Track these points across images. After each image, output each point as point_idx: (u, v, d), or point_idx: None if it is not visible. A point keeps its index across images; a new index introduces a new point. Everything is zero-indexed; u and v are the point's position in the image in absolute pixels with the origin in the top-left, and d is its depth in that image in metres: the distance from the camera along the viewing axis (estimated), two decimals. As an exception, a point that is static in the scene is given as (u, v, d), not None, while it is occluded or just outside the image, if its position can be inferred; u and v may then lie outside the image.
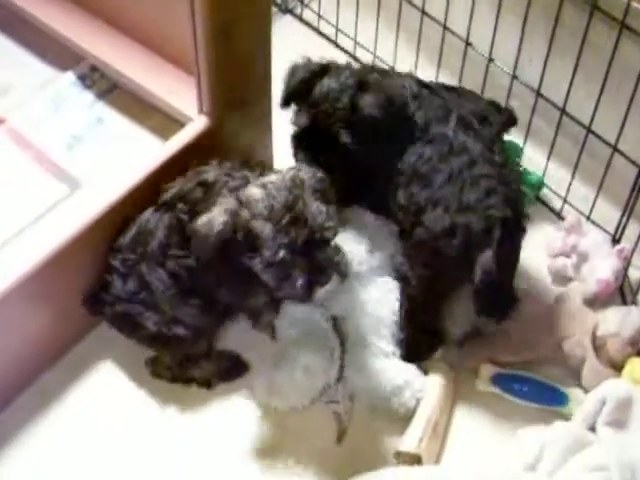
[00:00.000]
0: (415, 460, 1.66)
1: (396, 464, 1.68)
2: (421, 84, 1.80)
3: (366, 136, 1.73)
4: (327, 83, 1.76)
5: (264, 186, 1.53)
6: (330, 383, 1.76)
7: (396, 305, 1.80)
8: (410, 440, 1.67)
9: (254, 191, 1.53)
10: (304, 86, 1.79)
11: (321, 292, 1.55)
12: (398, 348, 1.78)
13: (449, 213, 1.63)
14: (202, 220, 1.52)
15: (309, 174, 1.57)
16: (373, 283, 1.81)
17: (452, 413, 1.76)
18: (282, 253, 1.48)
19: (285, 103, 1.84)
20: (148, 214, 1.69)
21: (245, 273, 1.54)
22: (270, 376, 1.74)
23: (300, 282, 1.52)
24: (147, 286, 1.67)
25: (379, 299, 1.80)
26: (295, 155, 1.86)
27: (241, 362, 1.81)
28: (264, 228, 1.49)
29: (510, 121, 1.90)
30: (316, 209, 1.51)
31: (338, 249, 1.58)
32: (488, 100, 1.94)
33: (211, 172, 1.68)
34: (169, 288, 1.66)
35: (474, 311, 1.68)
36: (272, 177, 1.57)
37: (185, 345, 1.71)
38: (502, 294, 1.67)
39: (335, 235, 1.56)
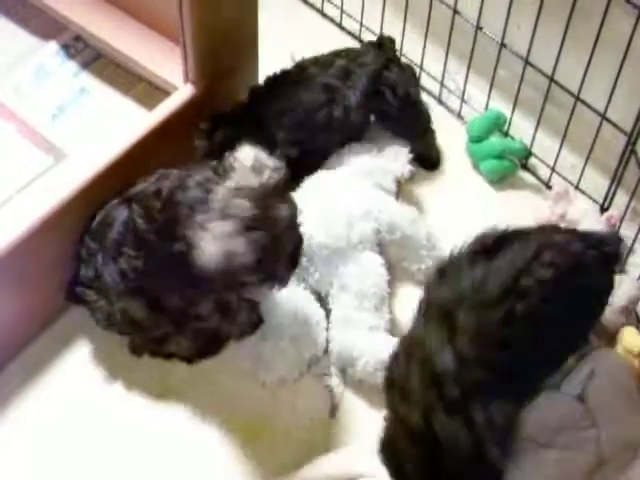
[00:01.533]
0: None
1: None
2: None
3: None
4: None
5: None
6: (318, 354, 1.76)
7: (379, 279, 1.79)
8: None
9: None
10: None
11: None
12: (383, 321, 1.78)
13: None
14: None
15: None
16: (353, 259, 1.80)
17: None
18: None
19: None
20: (113, 204, 1.66)
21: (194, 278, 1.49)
22: (257, 348, 1.74)
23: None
24: (100, 276, 1.65)
25: (359, 274, 1.78)
26: None
27: (219, 337, 1.77)
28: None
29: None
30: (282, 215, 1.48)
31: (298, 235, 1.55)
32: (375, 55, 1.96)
33: (169, 180, 1.60)
34: (117, 284, 1.62)
35: None
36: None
37: (142, 330, 1.69)
38: None
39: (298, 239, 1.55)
